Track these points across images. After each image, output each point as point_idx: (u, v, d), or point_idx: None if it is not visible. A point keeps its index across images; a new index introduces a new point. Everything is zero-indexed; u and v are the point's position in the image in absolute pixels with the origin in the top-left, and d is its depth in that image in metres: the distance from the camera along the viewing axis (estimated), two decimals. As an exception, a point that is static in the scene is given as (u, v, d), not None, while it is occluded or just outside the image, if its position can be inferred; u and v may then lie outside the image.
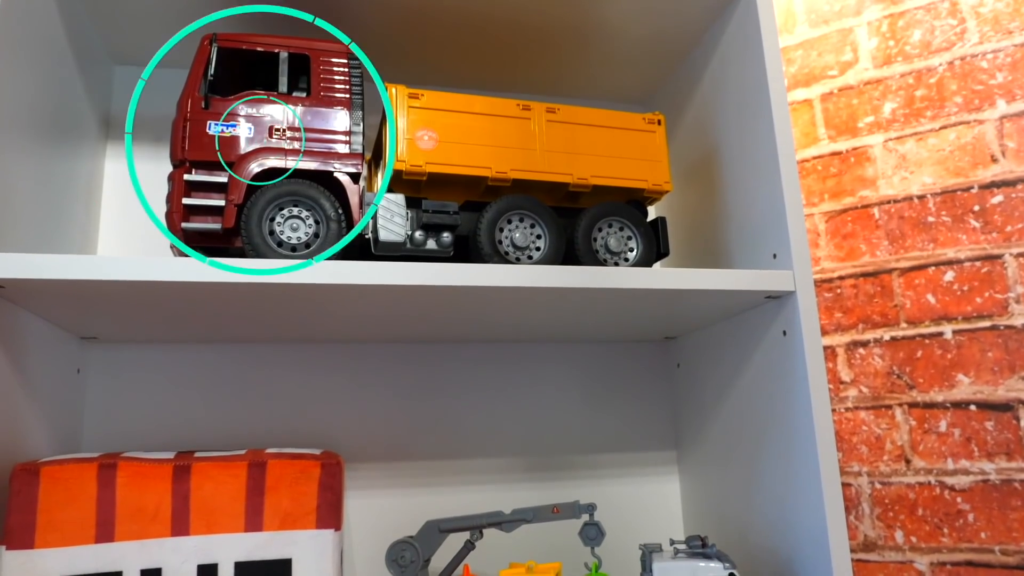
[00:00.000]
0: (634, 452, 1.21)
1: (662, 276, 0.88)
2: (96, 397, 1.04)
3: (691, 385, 1.17)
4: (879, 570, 1.19)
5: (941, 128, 1.24)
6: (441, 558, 1.07)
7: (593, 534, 0.93)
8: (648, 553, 0.90)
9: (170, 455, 0.74)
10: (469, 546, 0.97)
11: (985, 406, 1.15)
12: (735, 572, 0.85)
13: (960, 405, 1.17)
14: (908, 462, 1.20)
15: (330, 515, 0.75)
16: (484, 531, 0.95)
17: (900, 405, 1.22)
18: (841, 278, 1.29)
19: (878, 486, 1.21)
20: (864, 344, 1.26)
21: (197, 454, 0.74)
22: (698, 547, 0.90)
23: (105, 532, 0.69)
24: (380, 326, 1.02)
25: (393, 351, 1.16)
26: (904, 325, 1.23)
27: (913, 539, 1.18)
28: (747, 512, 1.02)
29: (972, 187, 1.21)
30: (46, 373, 0.89)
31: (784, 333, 0.95)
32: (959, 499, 1.15)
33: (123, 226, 1.10)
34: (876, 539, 1.21)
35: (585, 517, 0.93)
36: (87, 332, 0.98)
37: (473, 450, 1.16)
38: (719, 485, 1.09)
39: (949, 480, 1.16)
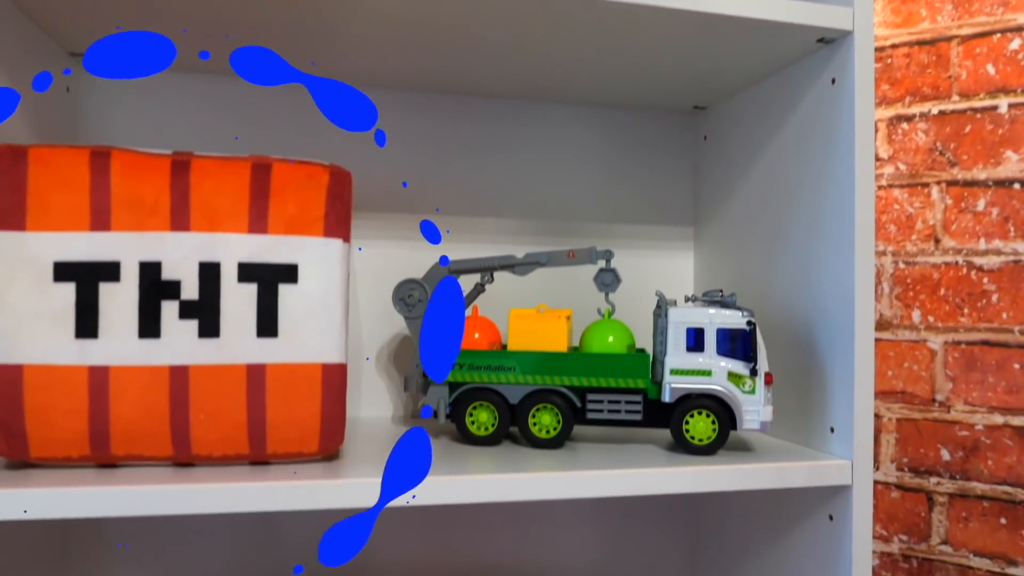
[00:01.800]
0: (650, 225, 1.17)
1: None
2: (88, 118, 0.98)
3: (717, 157, 1.11)
4: (891, 348, 1.18)
5: None
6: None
7: (608, 280, 0.91)
8: (664, 299, 0.87)
9: (167, 151, 0.69)
10: (479, 288, 0.94)
11: (1029, 187, 1.10)
12: (753, 320, 0.83)
13: (1003, 183, 1.11)
14: (937, 242, 1.16)
15: (339, 225, 0.71)
16: (495, 275, 0.92)
17: (938, 183, 1.16)
18: (894, 46, 1.19)
19: (902, 266, 1.18)
20: (909, 119, 1.18)
21: (197, 152, 0.69)
22: (716, 296, 0.87)
23: (101, 220, 0.65)
24: (397, 56, 0.93)
25: (410, 101, 1.08)
26: (956, 98, 1.14)
27: (930, 318, 1.16)
28: (767, 284, 0.98)
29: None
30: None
31: (833, 81, 0.87)
32: (985, 279, 1.12)
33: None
34: (892, 318, 1.19)
35: (601, 263, 0.90)
36: (77, 46, 0.91)
37: (486, 209, 1.11)
38: (737, 263, 1.05)
39: (978, 260, 1.13)
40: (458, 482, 0.71)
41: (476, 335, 0.91)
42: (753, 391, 0.82)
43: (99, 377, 0.65)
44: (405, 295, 0.91)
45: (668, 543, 1.16)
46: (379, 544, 1.07)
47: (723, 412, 0.83)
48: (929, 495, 1.16)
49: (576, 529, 1.13)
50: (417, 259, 1.08)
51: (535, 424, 0.85)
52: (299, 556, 1.02)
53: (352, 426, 0.94)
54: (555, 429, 0.84)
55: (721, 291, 0.87)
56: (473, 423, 0.85)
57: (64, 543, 0.97)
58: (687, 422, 0.83)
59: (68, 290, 0.65)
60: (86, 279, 0.65)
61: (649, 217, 1.17)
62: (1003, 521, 1.11)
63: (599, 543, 1.14)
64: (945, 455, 1.15)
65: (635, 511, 1.15)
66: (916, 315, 1.17)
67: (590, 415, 0.84)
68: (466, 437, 0.85)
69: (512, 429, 0.88)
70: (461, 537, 1.10)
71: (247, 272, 0.67)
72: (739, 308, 0.84)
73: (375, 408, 1.07)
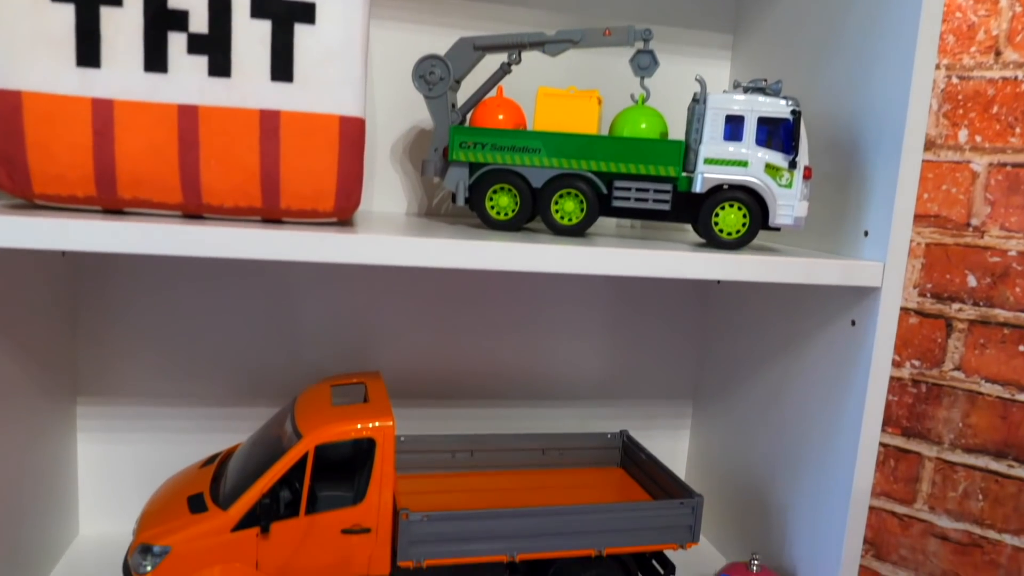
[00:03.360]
0: (688, 29, 1.09)
1: None
2: None
3: None
4: (930, 169, 1.13)
5: None
6: (473, 81, 0.99)
7: (645, 63, 0.84)
8: (704, 84, 0.82)
9: None
10: (505, 69, 0.88)
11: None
12: (798, 109, 0.78)
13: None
14: (998, 54, 1.08)
15: (359, -36, 0.64)
16: (523, 54, 0.86)
17: (1010, -11, 1.06)
18: None
19: (955, 80, 1.11)
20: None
21: None
22: (761, 84, 0.81)
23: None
24: None
25: None
26: None
27: (977, 138, 1.10)
28: (814, 86, 0.92)
29: None
30: None
31: None
32: (1044, 96, 1.05)
33: None
34: (935, 137, 1.13)
35: (639, 44, 0.83)
36: None
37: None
38: (781, 66, 0.99)
39: (1039, 75, 1.05)
40: (475, 247, 0.69)
41: (500, 116, 0.86)
42: (790, 185, 0.78)
43: (103, 110, 0.61)
44: (426, 72, 0.85)
45: (679, 349, 1.16)
46: (386, 350, 1.07)
47: (755, 206, 0.79)
48: (949, 321, 1.15)
49: (587, 335, 1.13)
50: (435, 46, 1.01)
51: (557, 211, 0.81)
52: (314, 337, 1.02)
53: (364, 217, 0.91)
54: (578, 217, 0.81)
55: (765, 79, 0.82)
56: (493, 207, 0.82)
57: (74, 288, 0.97)
58: (717, 214, 0.80)
59: (67, 12, 0.60)
60: (85, 1, 0.60)
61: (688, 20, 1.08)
62: (1021, 348, 1.09)
63: (609, 350, 1.14)
64: (971, 281, 1.12)
65: (647, 312, 1.15)
66: (963, 135, 1.11)
67: (616, 202, 0.80)
68: (485, 222, 0.82)
69: (532, 227, 0.85)
70: (470, 344, 1.09)
71: (260, 6, 0.62)
72: (783, 97, 0.79)
73: (389, 203, 1.04)
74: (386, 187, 1.04)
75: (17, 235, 0.58)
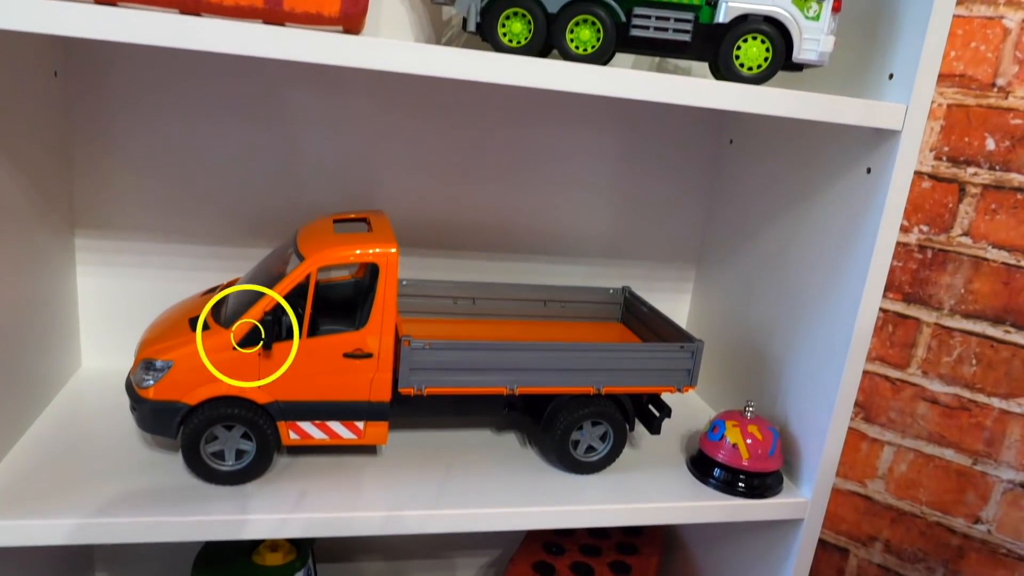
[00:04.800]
0: None
1: None
2: None
3: None
4: (960, 25, 1.08)
5: None
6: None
7: None
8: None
9: None
10: None
11: None
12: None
13: None
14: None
15: None
16: None
17: None
18: None
19: (997, -73, 1.05)
20: None
21: None
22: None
23: None
24: None
25: None
26: None
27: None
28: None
29: None
30: None
31: None
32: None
33: None
34: (970, -10, 1.08)
35: None
36: None
37: None
38: None
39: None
40: (486, 58, 0.66)
41: (515, -65, 0.81)
42: (818, 17, 0.75)
43: None
44: None
45: (686, 211, 1.15)
46: (390, 194, 1.05)
47: (779, 40, 0.75)
48: (962, 185, 1.13)
49: (594, 191, 1.11)
50: None
51: (572, 39, 0.77)
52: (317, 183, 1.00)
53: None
54: (594, 46, 0.77)
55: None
56: (505, 35, 0.78)
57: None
58: (739, 47, 0.76)
59: None
60: None
61: None
62: (1033, 214, 1.08)
63: (616, 207, 1.13)
64: (990, 144, 1.10)
65: (656, 171, 1.12)
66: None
67: (634, 31, 0.77)
68: (497, 49, 0.79)
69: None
70: (476, 193, 1.07)
71: None
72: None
73: (395, 36, 1.00)
74: (393, 18, 0.99)
75: (11, 16, 0.55)
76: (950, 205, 1.14)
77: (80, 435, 0.84)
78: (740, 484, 0.89)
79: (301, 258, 0.74)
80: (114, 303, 1.01)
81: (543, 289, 1.04)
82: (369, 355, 0.76)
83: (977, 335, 1.14)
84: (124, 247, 1.00)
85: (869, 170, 0.82)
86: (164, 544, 1.13)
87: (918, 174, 1.15)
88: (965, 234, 1.13)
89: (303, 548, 0.99)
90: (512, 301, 1.04)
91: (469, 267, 1.11)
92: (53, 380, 0.92)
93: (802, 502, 0.89)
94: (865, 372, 1.24)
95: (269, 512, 0.73)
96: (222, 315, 0.78)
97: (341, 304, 0.92)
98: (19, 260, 0.80)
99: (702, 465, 0.92)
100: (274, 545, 0.97)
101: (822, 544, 1.35)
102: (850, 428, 1.28)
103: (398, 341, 0.78)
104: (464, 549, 1.27)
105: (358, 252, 0.75)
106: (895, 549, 1.28)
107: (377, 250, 0.75)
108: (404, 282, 0.99)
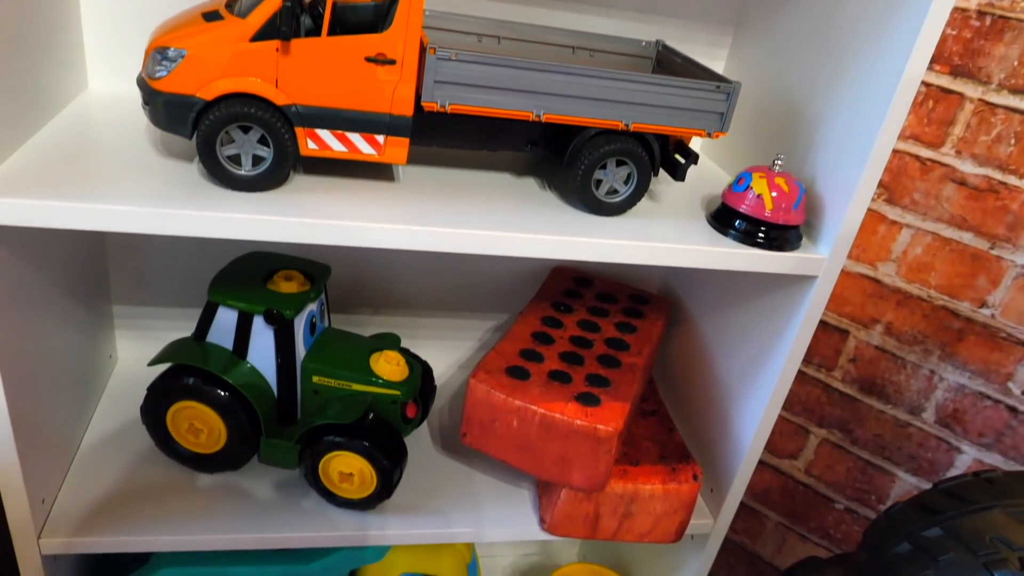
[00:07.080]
0: None
1: None
2: None
3: None
4: None
5: None
6: None
7: None
8: None
9: None
10: None
11: None
12: None
13: None
14: None
15: None
16: None
17: None
18: None
19: None
20: None
21: None
22: None
23: None
24: None
25: None
26: None
27: None
28: None
29: None
30: None
31: None
32: None
33: None
34: None
35: None
36: None
37: None
38: None
39: None
40: None
41: None
42: None
43: None
44: None
45: None
46: None
47: None
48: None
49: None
50: None
51: None
52: None
53: None
54: None
55: None
56: None
57: None
58: None
59: None
60: None
61: None
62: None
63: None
64: None
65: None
66: None
67: None
68: None
69: None
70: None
71: None
72: None
73: None
74: None
75: None
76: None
77: (89, 143, 0.82)
78: (760, 235, 0.88)
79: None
80: (122, 19, 0.96)
81: (573, 35, 0.98)
82: (392, 61, 0.72)
83: (1022, 112, 1.09)
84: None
85: None
86: (179, 266, 1.14)
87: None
88: (1029, 4, 1.05)
89: (317, 282, 1.00)
90: (539, 44, 0.98)
91: (495, 7, 1.05)
92: (56, 98, 0.88)
93: (819, 259, 0.89)
94: (895, 151, 1.20)
95: (285, 215, 0.72)
96: (236, 9, 0.73)
97: (362, 27, 0.86)
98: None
99: (724, 217, 0.90)
100: (288, 275, 0.98)
101: (822, 325, 1.37)
102: (870, 210, 1.26)
103: (423, 51, 0.74)
104: (471, 312, 1.29)
105: (383, -56, 0.69)
106: (895, 332, 1.31)
107: (402, -56, 0.69)
108: (427, 13, 0.93)
